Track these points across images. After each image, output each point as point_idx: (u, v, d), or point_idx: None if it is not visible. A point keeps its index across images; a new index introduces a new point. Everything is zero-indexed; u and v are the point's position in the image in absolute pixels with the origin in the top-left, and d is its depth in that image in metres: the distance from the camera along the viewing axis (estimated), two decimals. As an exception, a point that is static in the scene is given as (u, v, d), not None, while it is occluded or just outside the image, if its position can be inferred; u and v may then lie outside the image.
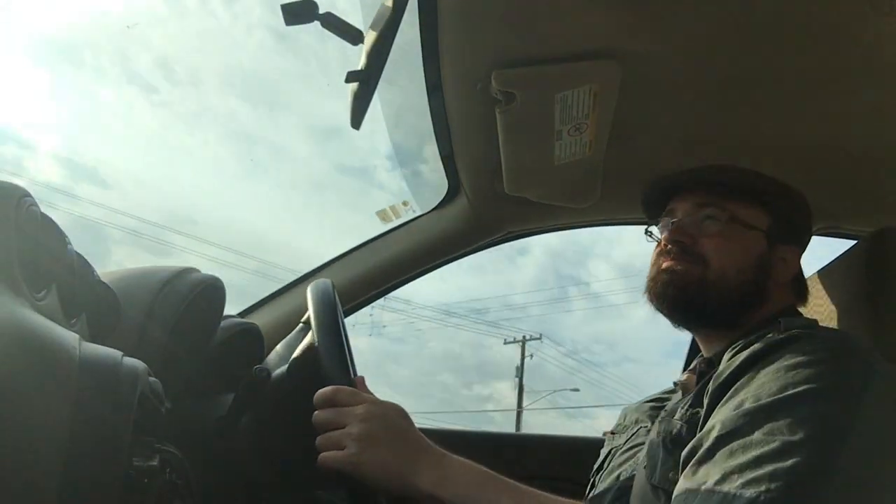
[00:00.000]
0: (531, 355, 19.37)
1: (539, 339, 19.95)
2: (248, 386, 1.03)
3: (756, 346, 0.78)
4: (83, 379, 0.52)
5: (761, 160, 1.29)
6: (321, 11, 0.93)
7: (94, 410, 0.51)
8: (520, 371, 18.88)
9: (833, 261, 1.16)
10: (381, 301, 1.73)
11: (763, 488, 0.62)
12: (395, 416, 0.80)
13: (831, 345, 0.76)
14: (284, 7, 0.91)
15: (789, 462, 0.63)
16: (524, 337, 19.58)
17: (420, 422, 0.94)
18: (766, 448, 0.65)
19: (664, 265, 0.95)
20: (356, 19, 0.98)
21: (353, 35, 0.97)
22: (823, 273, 1.14)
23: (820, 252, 1.11)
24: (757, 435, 0.67)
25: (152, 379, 0.63)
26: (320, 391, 0.81)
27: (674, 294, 0.94)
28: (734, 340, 0.86)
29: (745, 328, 0.92)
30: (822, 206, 1.37)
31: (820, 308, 1.11)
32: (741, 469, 0.65)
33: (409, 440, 0.78)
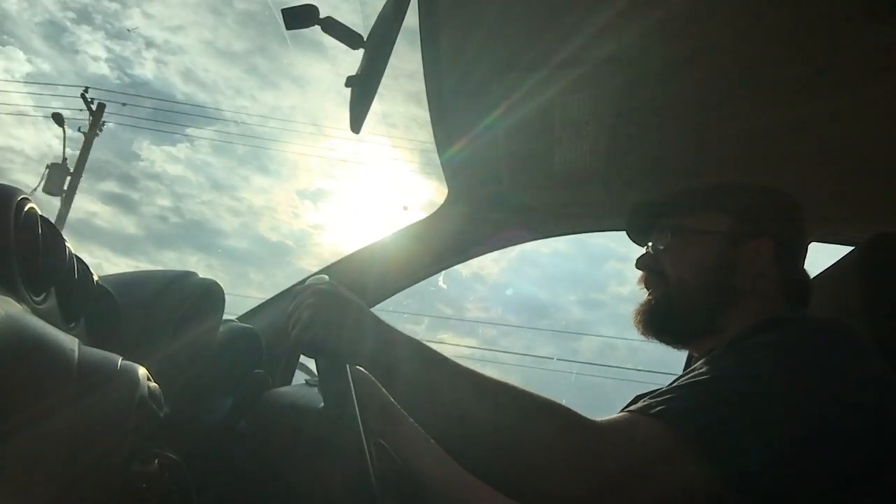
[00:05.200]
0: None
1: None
2: (246, 390, 1.03)
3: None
4: (82, 383, 0.51)
5: (759, 168, 1.30)
6: (322, 16, 0.93)
7: (92, 415, 0.51)
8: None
9: (830, 266, 1.16)
10: (377, 307, 1.71)
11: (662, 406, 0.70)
12: (341, 294, 0.86)
13: (801, 324, 0.83)
14: (285, 11, 0.92)
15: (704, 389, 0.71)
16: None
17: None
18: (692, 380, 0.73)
19: (644, 300, 1.04)
20: (357, 24, 0.99)
21: (353, 40, 0.97)
22: (821, 279, 1.14)
23: (818, 258, 1.12)
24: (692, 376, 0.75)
25: (151, 383, 0.62)
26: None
27: (648, 321, 1.02)
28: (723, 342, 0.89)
29: (731, 329, 0.94)
30: (820, 213, 1.38)
31: (817, 314, 1.11)
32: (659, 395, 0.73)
33: (355, 312, 0.83)
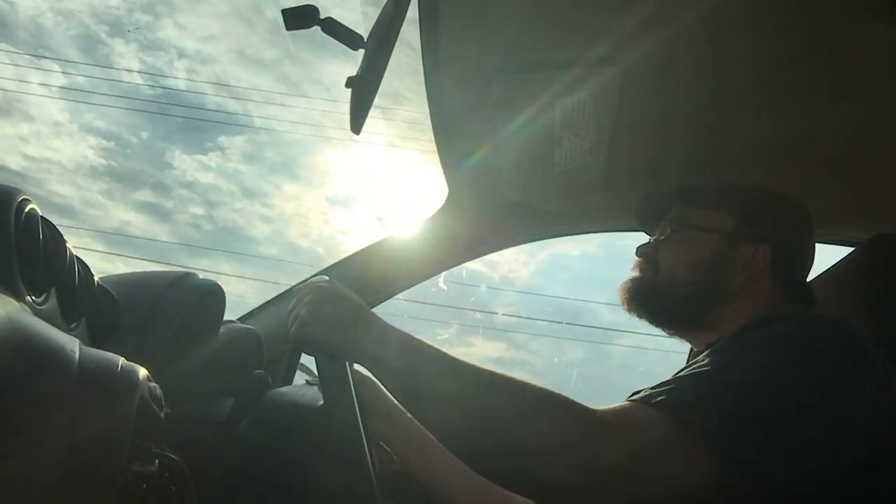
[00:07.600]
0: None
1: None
2: (247, 391, 1.03)
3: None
4: (82, 384, 0.51)
5: (759, 167, 1.29)
6: (322, 17, 0.93)
7: (93, 415, 0.51)
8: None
9: (831, 267, 1.16)
10: (377, 308, 1.71)
11: (665, 396, 0.70)
12: (339, 292, 0.87)
13: (802, 319, 0.83)
14: (285, 12, 0.92)
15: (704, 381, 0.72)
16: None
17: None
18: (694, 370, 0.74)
19: (631, 277, 1.07)
20: (357, 25, 0.99)
21: (353, 40, 0.97)
22: (822, 279, 1.14)
23: (818, 258, 1.12)
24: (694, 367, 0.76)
25: (152, 384, 0.62)
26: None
27: (630, 297, 1.05)
28: (721, 338, 0.89)
29: (724, 325, 0.95)
30: (821, 213, 1.37)
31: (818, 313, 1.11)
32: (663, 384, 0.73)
33: (353, 309, 0.84)
